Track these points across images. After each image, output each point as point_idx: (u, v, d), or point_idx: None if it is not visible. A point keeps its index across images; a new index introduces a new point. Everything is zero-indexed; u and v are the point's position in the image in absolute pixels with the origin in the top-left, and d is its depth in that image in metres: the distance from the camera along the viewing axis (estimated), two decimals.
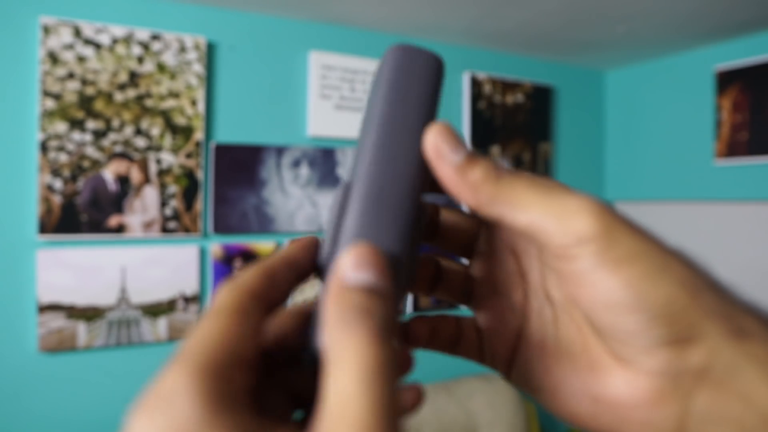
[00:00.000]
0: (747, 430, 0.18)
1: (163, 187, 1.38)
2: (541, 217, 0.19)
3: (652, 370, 0.19)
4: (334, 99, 1.59)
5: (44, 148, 1.26)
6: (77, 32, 1.29)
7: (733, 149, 1.66)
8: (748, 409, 0.18)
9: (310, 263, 0.21)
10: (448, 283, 0.26)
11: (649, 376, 0.19)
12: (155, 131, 1.37)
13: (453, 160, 0.20)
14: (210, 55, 1.45)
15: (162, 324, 1.37)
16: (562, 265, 0.20)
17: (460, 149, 0.20)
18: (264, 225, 1.50)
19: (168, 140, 1.38)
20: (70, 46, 1.28)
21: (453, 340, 0.26)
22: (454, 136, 0.21)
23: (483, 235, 0.26)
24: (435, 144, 0.20)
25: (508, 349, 0.25)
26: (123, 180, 1.34)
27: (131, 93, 1.35)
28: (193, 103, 1.40)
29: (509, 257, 0.24)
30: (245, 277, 0.19)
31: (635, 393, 0.20)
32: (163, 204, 1.38)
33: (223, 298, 0.18)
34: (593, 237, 0.19)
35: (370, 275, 0.18)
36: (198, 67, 1.41)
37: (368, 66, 1.64)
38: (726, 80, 1.68)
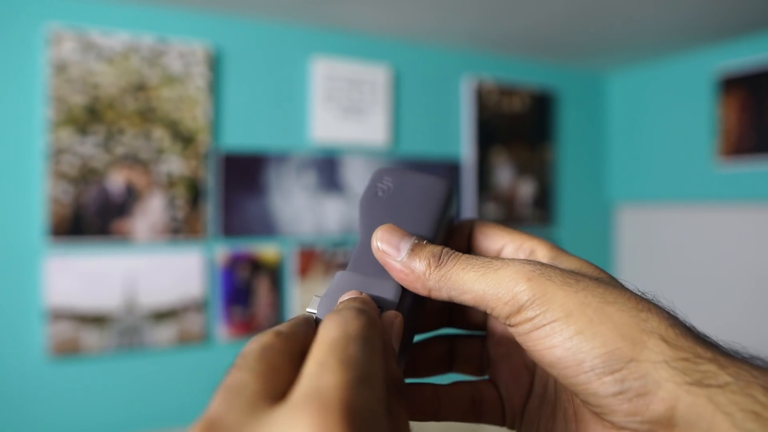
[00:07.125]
0: None
1: (169, 193, 1.39)
2: (483, 294, 0.21)
3: (620, 425, 0.20)
4: (339, 104, 1.59)
5: (51, 154, 1.26)
6: (82, 39, 1.29)
7: (736, 151, 1.67)
8: None
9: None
10: (464, 358, 0.29)
11: (622, 431, 0.20)
12: (161, 137, 1.38)
13: (397, 259, 0.23)
14: (215, 62, 1.45)
15: (169, 329, 1.39)
16: (513, 332, 0.21)
17: (402, 247, 0.23)
18: (269, 230, 1.51)
19: (174, 146, 1.39)
20: (75, 53, 1.28)
21: (471, 407, 0.26)
22: (395, 236, 0.23)
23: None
24: (379, 250, 0.23)
25: (521, 401, 0.26)
26: (129, 186, 1.35)
27: (137, 99, 1.35)
28: (199, 109, 1.41)
29: None
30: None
31: None
32: (170, 210, 1.39)
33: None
34: (530, 303, 0.20)
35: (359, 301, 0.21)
36: (203, 74, 1.41)
37: (372, 70, 1.64)
38: (729, 82, 1.69)
